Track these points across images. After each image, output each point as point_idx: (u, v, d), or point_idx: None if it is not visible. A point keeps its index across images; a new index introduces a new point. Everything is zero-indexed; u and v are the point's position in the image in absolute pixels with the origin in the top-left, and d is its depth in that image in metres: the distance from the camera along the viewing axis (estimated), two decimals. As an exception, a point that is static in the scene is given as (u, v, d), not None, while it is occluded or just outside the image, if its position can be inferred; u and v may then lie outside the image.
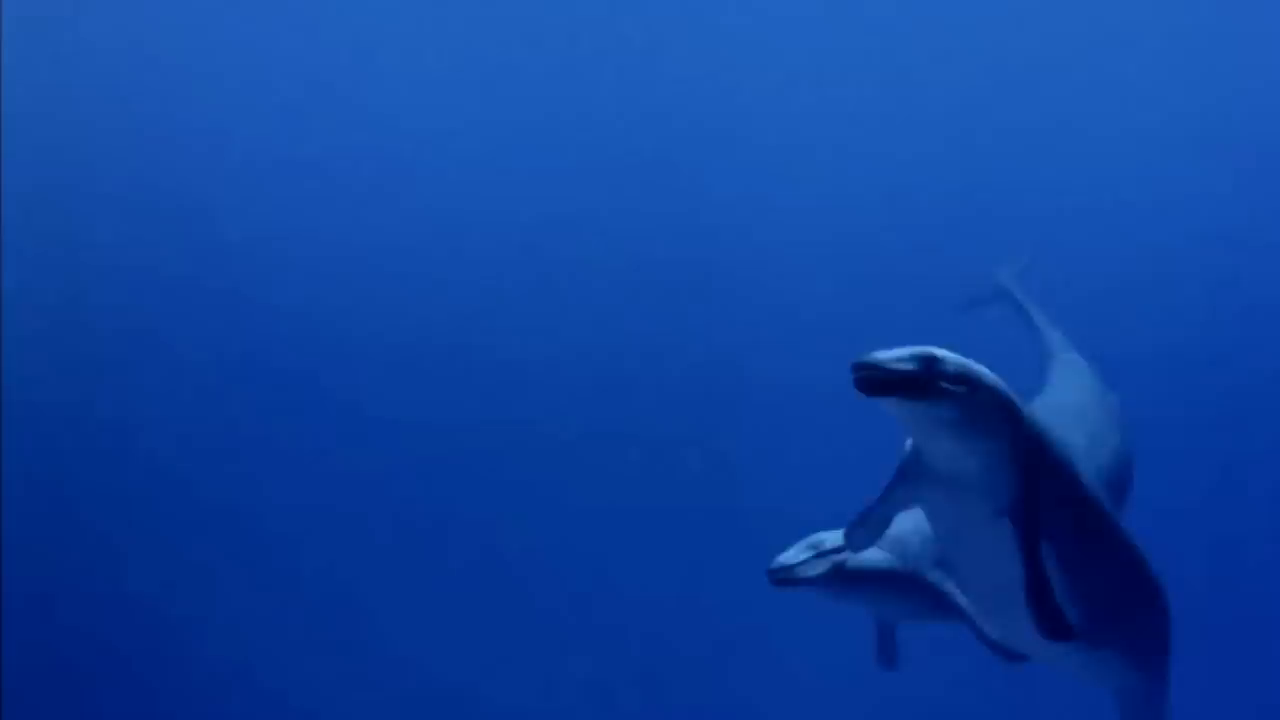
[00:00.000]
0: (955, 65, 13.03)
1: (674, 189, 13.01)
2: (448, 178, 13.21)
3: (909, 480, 4.09)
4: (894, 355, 3.56)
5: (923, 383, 3.57)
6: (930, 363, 3.60)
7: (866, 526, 4.33)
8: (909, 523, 4.81)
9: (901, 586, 4.96)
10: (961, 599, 4.87)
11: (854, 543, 4.40)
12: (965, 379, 3.66)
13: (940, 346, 3.81)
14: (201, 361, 12.07)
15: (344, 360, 12.25)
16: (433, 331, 12.38)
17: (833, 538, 4.79)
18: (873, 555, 4.79)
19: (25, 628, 10.55)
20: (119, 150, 12.65)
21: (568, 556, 11.34)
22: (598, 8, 13.37)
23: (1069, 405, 5.72)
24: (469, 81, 13.37)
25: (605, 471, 11.32)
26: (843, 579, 4.79)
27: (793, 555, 4.81)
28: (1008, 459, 3.80)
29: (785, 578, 4.76)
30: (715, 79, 13.34)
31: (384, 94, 13.31)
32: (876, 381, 3.52)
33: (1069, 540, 4.01)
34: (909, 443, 4.05)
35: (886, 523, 4.32)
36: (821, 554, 4.79)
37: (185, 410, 11.82)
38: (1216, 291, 12.29)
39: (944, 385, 3.60)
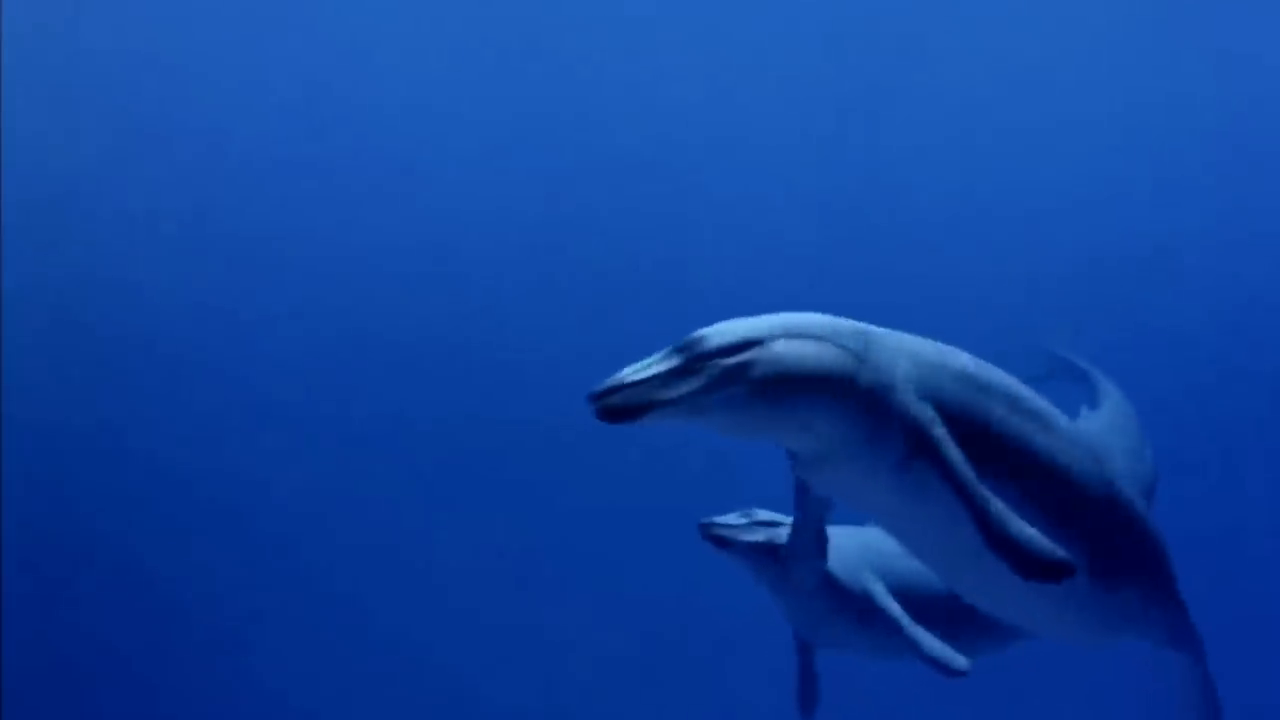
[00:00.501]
0: (945, 63, 13.04)
1: (672, 189, 13.02)
2: (446, 180, 13.22)
3: (803, 480, 3.57)
4: (639, 365, 3.02)
5: (684, 374, 2.97)
6: (687, 348, 3.02)
7: (801, 554, 3.88)
8: (847, 534, 4.67)
9: (831, 591, 4.59)
10: (902, 616, 4.49)
11: (799, 578, 3.99)
12: (747, 341, 3.05)
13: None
14: (201, 361, 12.08)
15: (342, 359, 12.26)
16: (433, 332, 12.39)
17: (771, 514, 4.70)
18: None
19: (25, 627, 10.55)
20: (119, 152, 12.65)
21: (567, 556, 11.35)
22: (591, 8, 13.36)
23: (1107, 422, 5.83)
24: (459, 84, 13.38)
25: (604, 471, 11.32)
26: (771, 556, 4.54)
27: (729, 519, 4.68)
28: (865, 394, 3.15)
29: (713, 534, 4.58)
30: (714, 82, 13.34)
31: (383, 98, 13.31)
32: (622, 408, 2.92)
33: (1013, 462, 3.40)
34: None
35: (818, 537, 3.85)
36: (757, 523, 4.65)
37: (185, 410, 11.82)
38: (1211, 285, 12.32)
39: (720, 363, 3.00)
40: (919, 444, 3.20)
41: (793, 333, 3.12)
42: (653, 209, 12.95)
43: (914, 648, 4.44)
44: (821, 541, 3.91)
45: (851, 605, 4.59)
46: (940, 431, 3.21)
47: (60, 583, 11.00)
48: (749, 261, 12.53)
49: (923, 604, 4.66)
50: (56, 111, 12.44)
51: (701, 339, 3.04)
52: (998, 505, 3.16)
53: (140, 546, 11.24)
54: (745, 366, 3.01)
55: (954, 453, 3.20)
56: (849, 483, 3.35)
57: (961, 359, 3.44)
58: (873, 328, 3.32)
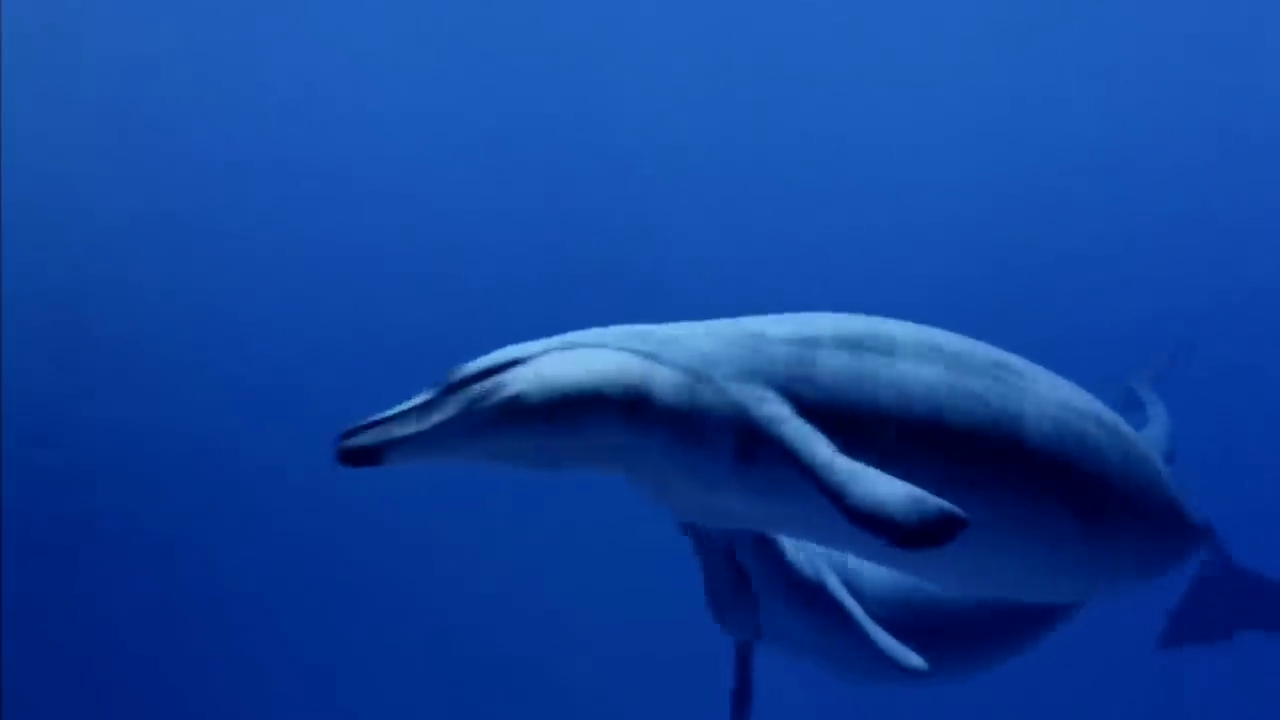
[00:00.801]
0: (934, 60, 13.05)
1: (668, 190, 13.04)
2: (445, 180, 13.25)
3: (697, 532, 3.25)
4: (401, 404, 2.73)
5: (437, 406, 2.66)
6: (445, 379, 2.72)
7: (722, 606, 3.41)
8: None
9: (782, 576, 4.14)
10: (857, 610, 4.11)
11: (732, 631, 3.52)
12: (506, 363, 2.74)
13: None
14: (201, 361, 12.10)
15: (341, 358, 12.28)
16: (432, 331, 12.41)
17: None
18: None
19: (26, 625, 10.58)
20: (119, 152, 12.68)
21: (564, 553, 11.38)
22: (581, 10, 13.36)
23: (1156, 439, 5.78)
24: (457, 87, 13.41)
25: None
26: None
27: None
28: (670, 395, 2.73)
29: None
30: (704, 85, 13.35)
31: (380, 100, 13.35)
32: (360, 449, 2.64)
33: (895, 413, 2.83)
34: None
35: (736, 583, 3.40)
36: None
37: (185, 409, 11.84)
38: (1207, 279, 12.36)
39: (473, 389, 2.69)
40: (748, 432, 2.76)
41: (563, 347, 2.79)
42: (648, 210, 12.98)
43: (868, 643, 4.09)
44: (742, 587, 3.45)
45: (802, 595, 4.19)
46: (769, 410, 2.76)
47: (60, 580, 11.03)
48: (743, 261, 12.55)
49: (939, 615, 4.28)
50: (56, 111, 12.47)
51: (460, 367, 2.74)
52: (850, 470, 2.64)
53: (140, 544, 11.27)
54: (499, 388, 2.69)
55: (789, 428, 2.73)
56: (702, 501, 2.89)
57: (794, 321, 2.97)
58: (671, 325, 2.93)
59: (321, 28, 13.20)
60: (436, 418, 2.67)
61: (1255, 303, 12.25)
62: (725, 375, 2.80)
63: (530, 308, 12.33)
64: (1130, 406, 7.54)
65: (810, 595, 4.17)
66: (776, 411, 2.76)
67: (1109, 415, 3.30)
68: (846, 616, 4.12)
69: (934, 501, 2.55)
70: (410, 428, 2.67)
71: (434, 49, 13.28)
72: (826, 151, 13.03)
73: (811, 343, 2.90)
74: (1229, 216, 12.64)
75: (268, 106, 13.13)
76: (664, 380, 2.76)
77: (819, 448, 2.71)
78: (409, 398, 2.74)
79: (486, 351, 2.92)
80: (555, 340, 2.81)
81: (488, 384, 2.70)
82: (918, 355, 2.96)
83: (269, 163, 12.94)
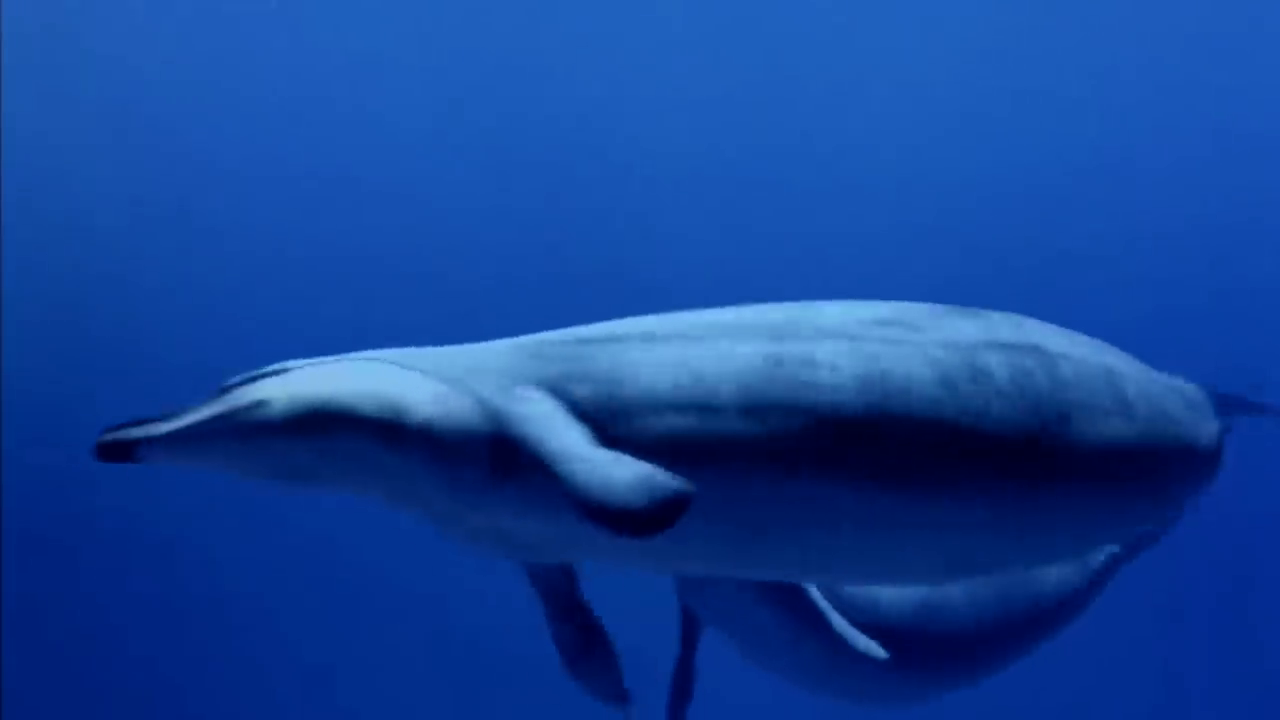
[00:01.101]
0: (925, 56, 13.03)
1: (663, 190, 13.04)
2: (444, 180, 13.25)
3: (539, 581, 3.06)
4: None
5: (198, 407, 2.60)
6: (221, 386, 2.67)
7: (576, 658, 3.09)
8: None
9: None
10: (820, 600, 3.90)
11: (588, 688, 3.25)
12: (259, 374, 2.72)
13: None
14: (203, 362, 12.10)
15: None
16: (429, 331, 12.38)
17: None
18: None
19: (26, 628, 10.58)
20: (119, 152, 12.68)
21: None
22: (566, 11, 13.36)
23: None
24: (463, 89, 13.40)
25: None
26: None
27: None
28: (428, 409, 2.55)
29: None
30: (713, 84, 13.34)
31: (379, 100, 13.34)
32: (111, 444, 2.60)
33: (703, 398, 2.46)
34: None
35: (578, 626, 3.09)
36: None
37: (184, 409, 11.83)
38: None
39: (231, 393, 2.68)
40: (500, 437, 2.51)
41: (331, 361, 2.73)
42: (648, 210, 12.97)
43: (830, 633, 3.88)
44: (593, 636, 3.08)
45: (776, 591, 3.96)
46: (522, 408, 2.49)
47: (61, 580, 11.03)
48: (748, 262, 12.54)
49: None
50: (56, 111, 12.46)
51: (233, 376, 2.70)
52: (594, 457, 2.33)
53: (140, 544, 11.27)
54: (244, 395, 2.62)
55: (540, 423, 2.44)
56: (478, 526, 2.68)
57: (594, 327, 2.73)
58: (463, 346, 2.77)
59: (321, 28, 13.20)
60: (188, 419, 2.60)
61: (1257, 303, 12.24)
62: (486, 383, 2.58)
63: (530, 308, 12.30)
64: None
65: (784, 592, 3.94)
66: (530, 409, 2.49)
67: (1057, 340, 2.85)
68: (816, 612, 3.88)
69: (663, 479, 2.25)
70: (164, 428, 2.61)
71: (434, 49, 13.28)
72: (825, 151, 13.02)
73: (595, 341, 2.64)
74: (1229, 216, 12.63)
75: (268, 106, 13.13)
76: (421, 395, 2.58)
77: (567, 438, 2.41)
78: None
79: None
80: (330, 358, 2.74)
81: (238, 390, 2.64)
82: (739, 334, 2.61)
83: (269, 162, 12.94)
